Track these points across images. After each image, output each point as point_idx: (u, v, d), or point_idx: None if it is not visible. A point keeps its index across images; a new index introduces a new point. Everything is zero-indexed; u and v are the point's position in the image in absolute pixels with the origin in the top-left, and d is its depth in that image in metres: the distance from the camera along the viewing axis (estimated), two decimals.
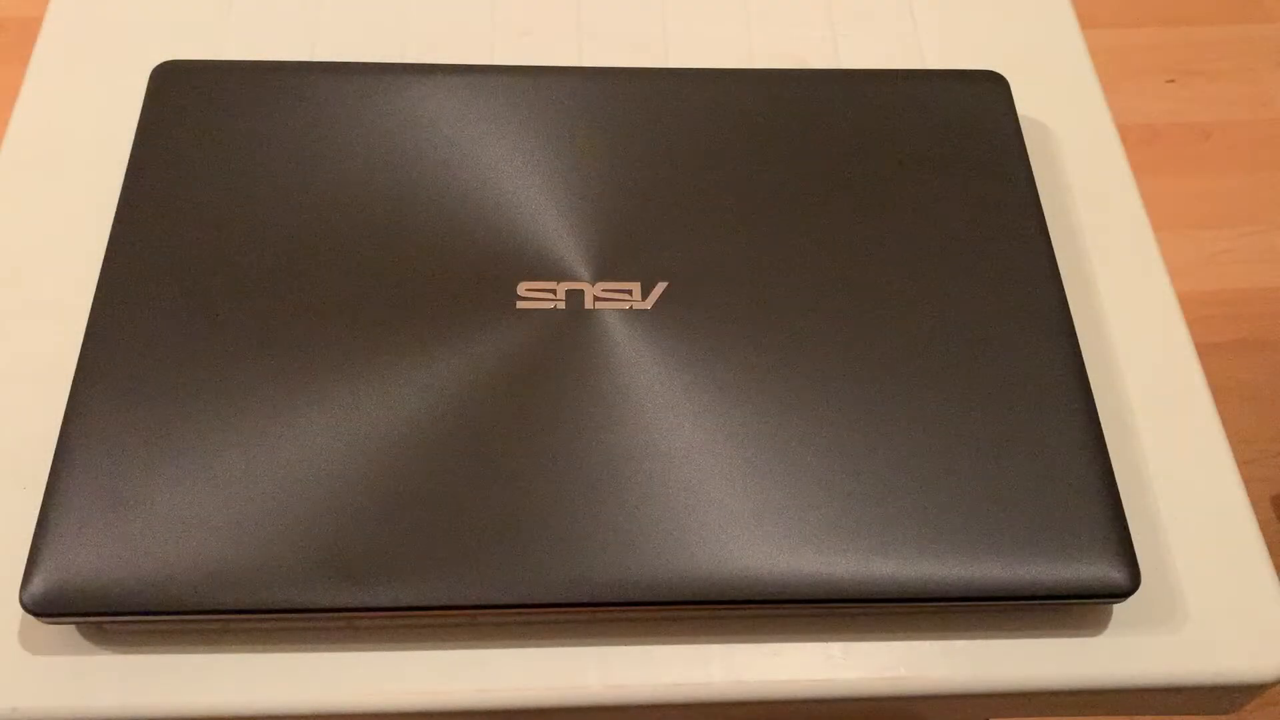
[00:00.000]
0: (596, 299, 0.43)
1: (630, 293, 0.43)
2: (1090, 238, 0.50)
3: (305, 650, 0.39)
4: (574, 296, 0.43)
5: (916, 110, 0.49)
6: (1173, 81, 1.33)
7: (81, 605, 0.36)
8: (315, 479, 0.39)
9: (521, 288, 0.43)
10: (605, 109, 0.48)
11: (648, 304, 0.43)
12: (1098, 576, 0.38)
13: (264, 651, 0.39)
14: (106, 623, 0.38)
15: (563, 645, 0.39)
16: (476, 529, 0.38)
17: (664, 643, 0.39)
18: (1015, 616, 0.40)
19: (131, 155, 0.46)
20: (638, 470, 0.39)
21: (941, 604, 0.39)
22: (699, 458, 0.40)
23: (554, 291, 0.43)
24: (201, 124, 0.46)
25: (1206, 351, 0.48)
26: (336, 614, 0.38)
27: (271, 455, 0.39)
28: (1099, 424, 0.41)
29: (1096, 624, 0.40)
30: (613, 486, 0.39)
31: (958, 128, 0.48)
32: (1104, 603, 0.40)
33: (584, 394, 0.41)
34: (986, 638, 0.40)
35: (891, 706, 0.40)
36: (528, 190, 0.46)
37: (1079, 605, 0.40)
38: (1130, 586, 0.38)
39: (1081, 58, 0.57)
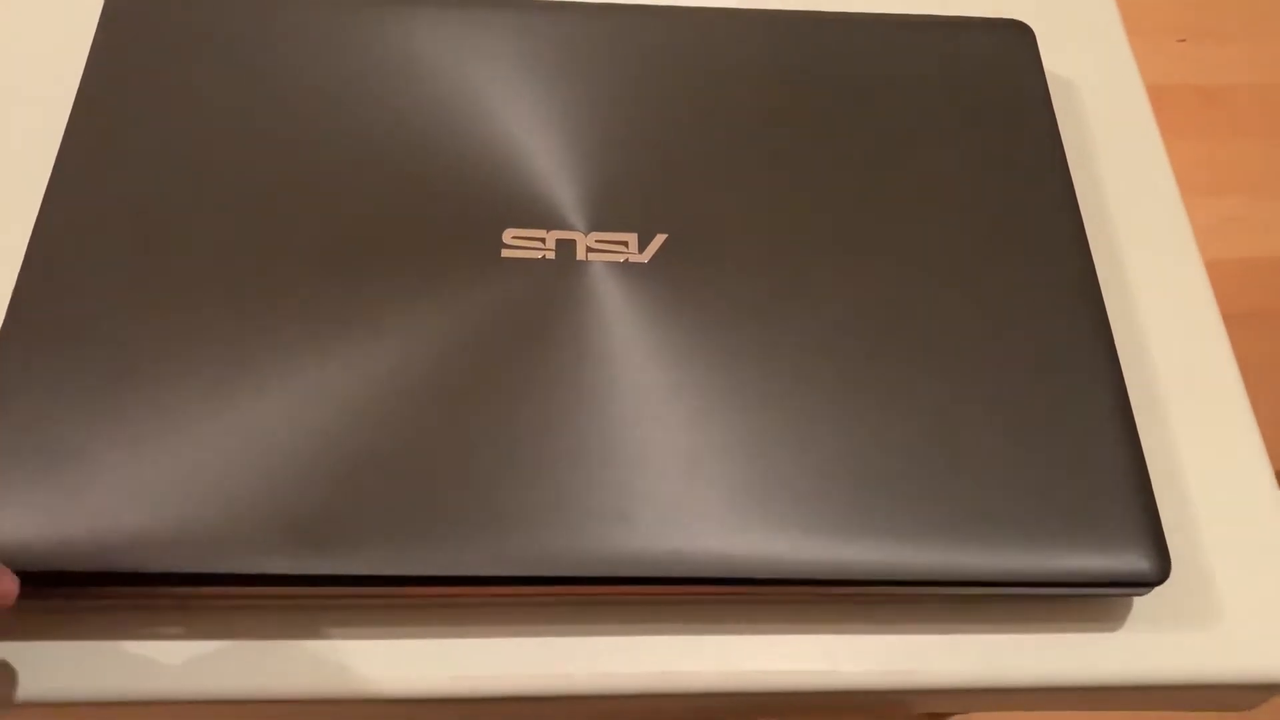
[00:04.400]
0: (589, 250, 0.40)
1: (626, 244, 0.40)
2: (1115, 203, 0.47)
3: (269, 634, 0.36)
4: (565, 246, 0.40)
5: (938, 58, 0.46)
6: (1184, 41, 1.30)
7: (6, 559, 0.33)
8: (277, 437, 0.35)
9: (508, 235, 0.40)
10: (608, 47, 0.45)
11: (645, 257, 0.40)
12: (1127, 564, 0.36)
13: (220, 638, 0.36)
14: (38, 591, 0.35)
15: (547, 631, 0.37)
16: (452, 495, 0.35)
17: (654, 630, 0.37)
18: (1031, 608, 0.38)
19: (82, 83, 0.42)
20: (630, 436, 0.36)
21: (957, 590, 0.36)
22: (697, 425, 0.37)
23: (543, 240, 0.40)
24: (158, 52, 0.43)
25: None
26: (298, 585, 0.35)
27: (229, 408, 0.36)
28: (1128, 402, 0.39)
29: (1115, 617, 0.38)
30: (603, 453, 0.36)
31: (980, 78, 0.45)
32: (1130, 593, 0.37)
33: (573, 352, 0.38)
34: (1000, 631, 0.38)
35: (903, 699, 0.38)
36: (519, 131, 0.42)
37: (1100, 597, 0.38)
38: (1160, 575, 0.36)
39: (1110, 12, 0.53)
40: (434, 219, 0.40)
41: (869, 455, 0.37)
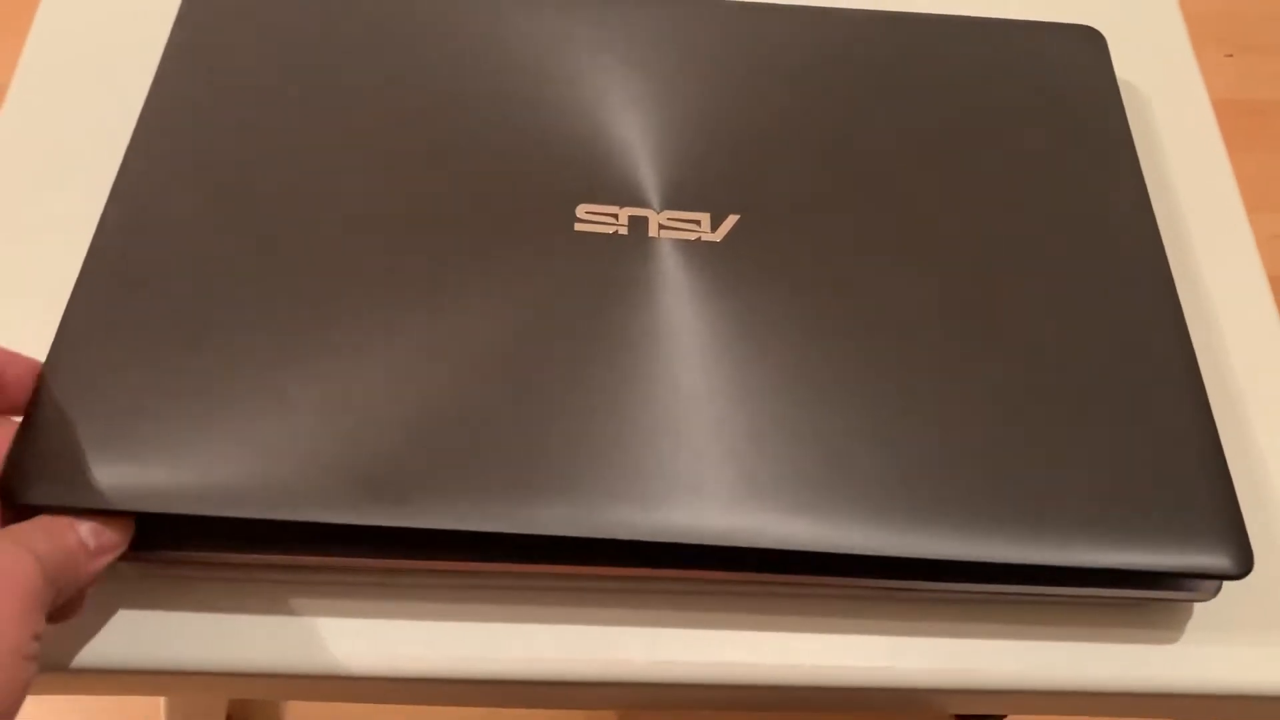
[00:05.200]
0: (661, 227, 0.40)
1: (699, 223, 0.40)
2: (1183, 209, 0.47)
3: (340, 613, 0.37)
4: (637, 223, 0.40)
5: (1012, 58, 0.46)
6: (1231, 56, 1.29)
7: (69, 495, 0.33)
8: (351, 396, 0.36)
9: (581, 210, 0.40)
10: (687, 38, 0.46)
11: (717, 236, 0.40)
12: (1209, 557, 0.35)
13: (289, 613, 0.36)
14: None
15: (605, 618, 0.37)
16: (515, 456, 0.35)
17: (711, 622, 0.37)
18: (1091, 611, 0.38)
19: (163, 55, 0.43)
20: (698, 411, 0.36)
21: (1028, 590, 0.36)
22: (764, 403, 0.37)
23: (615, 216, 0.40)
24: (239, 21, 0.44)
25: None
26: (377, 547, 0.35)
27: (305, 367, 0.36)
28: (1205, 397, 0.38)
29: (1176, 624, 0.38)
30: (670, 426, 0.36)
31: (1054, 79, 0.45)
32: (1193, 598, 0.37)
33: (645, 324, 0.38)
34: (1056, 637, 0.38)
35: (954, 700, 0.38)
36: (598, 110, 0.43)
37: (1169, 601, 0.38)
38: (1243, 568, 0.35)
39: (1175, 22, 0.53)
40: (510, 191, 0.41)
41: (939, 441, 0.36)
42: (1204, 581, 0.37)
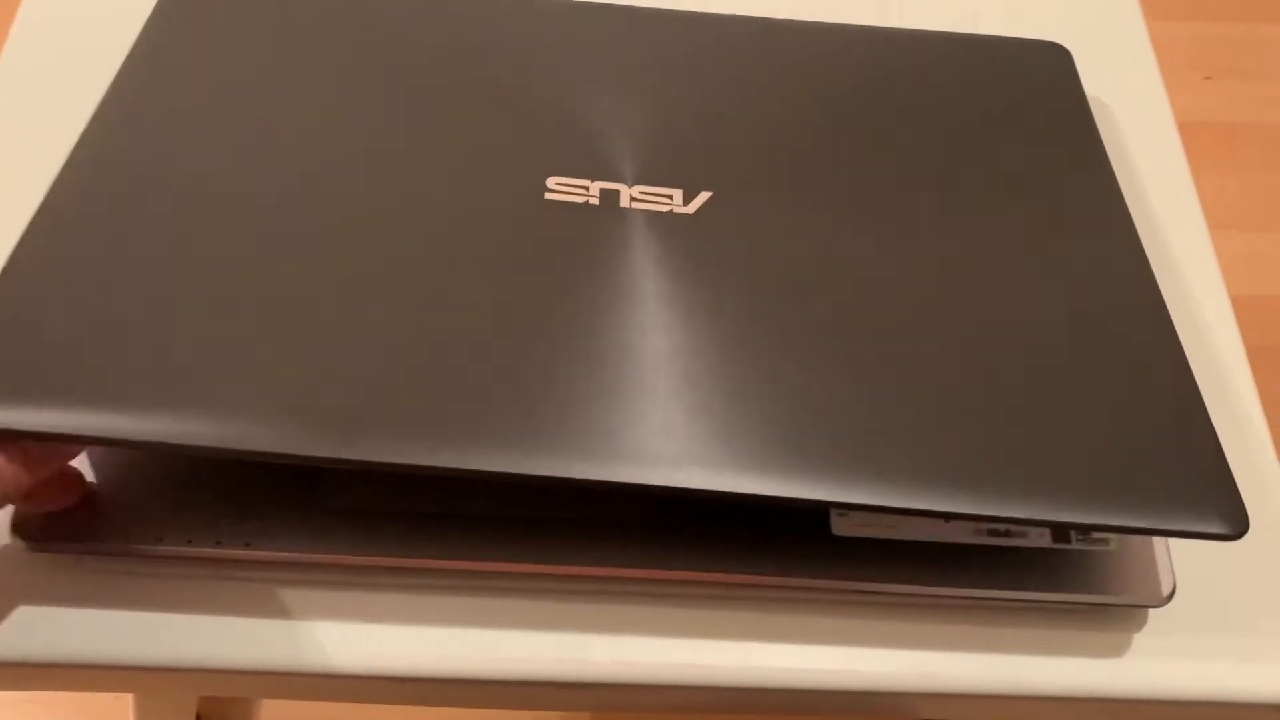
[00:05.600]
0: (634, 199, 0.41)
1: (671, 198, 0.41)
2: (1145, 226, 0.48)
3: (309, 611, 0.37)
4: (609, 195, 0.41)
5: (980, 73, 0.47)
6: (1209, 79, 1.30)
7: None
8: (305, 338, 0.36)
9: (552, 181, 0.41)
10: (660, 43, 0.47)
11: (690, 209, 0.41)
12: (1204, 515, 0.34)
13: (257, 611, 0.37)
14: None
15: (569, 621, 0.37)
16: (470, 402, 0.35)
17: (674, 625, 0.38)
18: (1049, 615, 0.38)
19: (132, 47, 0.43)
20: (672, 369, 0.36)
21: (983, 592, 0.37)
22: (728, 367, 0.36)
23: (586, 188, 0.41)
24: (207, 28, 0.45)
25: None
26: (330, 534, 0.35)
27: (259, 307, 0.36)
28: (1190, 370, 0.38)
29: (1130, 629, 0.39)
30: (631, 382, 0.36)
31: (1023, 92, 0.47)
32: (1147, 604, 0.37)
33: (610, 283, 0.38)
34: (1013, 642, 0.38)
35: (913, 703, 0.38)
36: (571, 96, 0.44)
37: (1117, 606, 0.38)
38: (1239, 528, 0.34)
39: (1141, 42, 0.54)
40: (479, 168, 0.41)
41: (891, 404, 0.36)
42: (1160, 588, 0.37)
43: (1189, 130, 0.52)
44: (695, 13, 0.49)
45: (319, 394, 0.34)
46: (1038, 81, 0.47)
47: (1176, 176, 0.50)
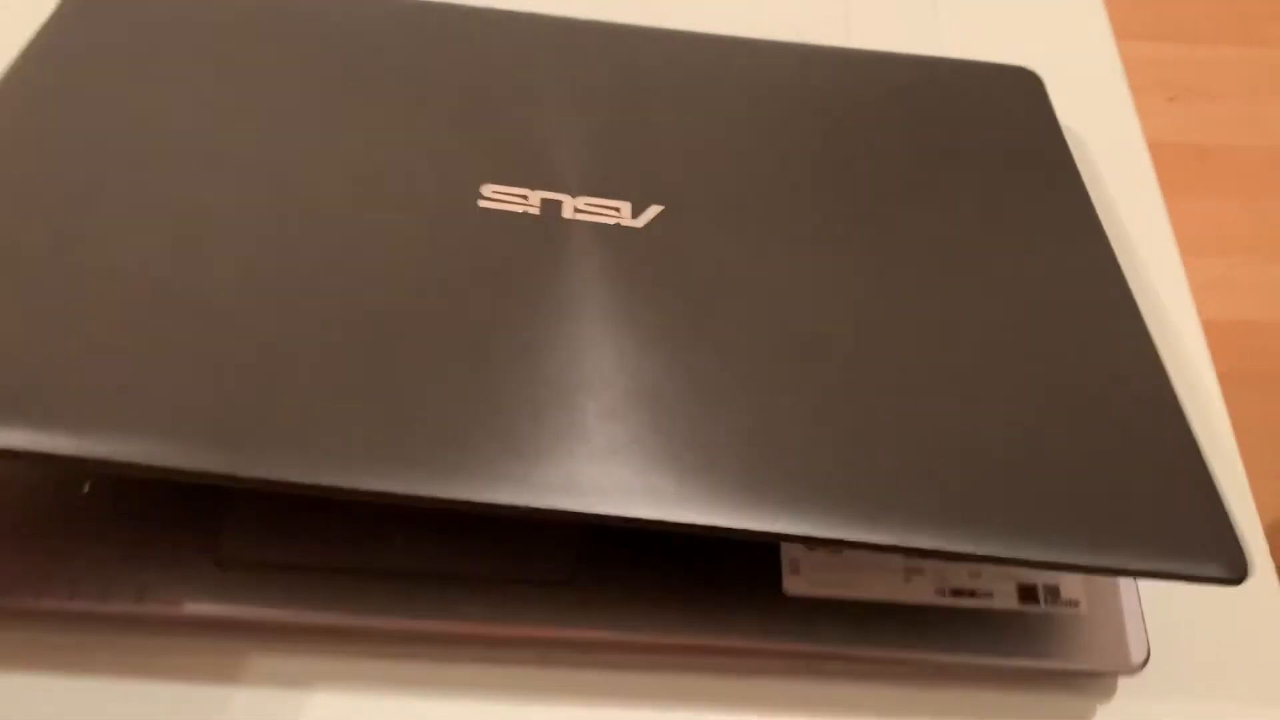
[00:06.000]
0: (577, 210, 0.38)
1: (618, 210, 0.38)
2: (1122, 253, 0.46)
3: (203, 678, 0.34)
4: (550, 205, 0.38)
5: (950, 96, 0.46)
6: (1173, 100, 1.30)
7: None
8: (209, 346, 0.32)
9: (486, 189, 0.38)
10: (615, 59, 0.45)
11: (638, 223, 0.38)
12: (1204, 559, 0.32)
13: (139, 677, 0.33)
14: None
15: (514, 689, 0.34)
16: (383, 418, 0.31)
17: (610, 692, 0.35)
18: (1015, 680, 0.36)
19: (34, 37, 0.41)
20: (608, 390, 0.33)
21: (949, 656, 0.35)
22: (676, 393, 0.33)
23: (525, 197, 0.38)
24: (108, 40, 0.42)
25: None
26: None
27: (164, 315, 0.33)
28: (1179, 404, 0.36)
29: (1100, 695, 0.36)
30: (561, 397, 0.32)
31: (993, 116, 0.45)
32: (1117, 670, 0.35)
33: (545, 293, 0.35)
34: (979, 709, 0.36)
35: None
36: (519, 102, 0.42)
37: (1087, 674, 0.36)
38: (1239, 573, 0.32)
39: (1113, 67, 0.53)
40: (414, 170, 0.39)
41: (850, 436, 0.33)
42: (1129, 655, 0.35)
43: (1154, 151, 0.51)
44: (654, 29, 0.47)
45: (210, 408, 0.31)
46: (1008, 106, 0.45)
47: (1149, 202, 0.48)
